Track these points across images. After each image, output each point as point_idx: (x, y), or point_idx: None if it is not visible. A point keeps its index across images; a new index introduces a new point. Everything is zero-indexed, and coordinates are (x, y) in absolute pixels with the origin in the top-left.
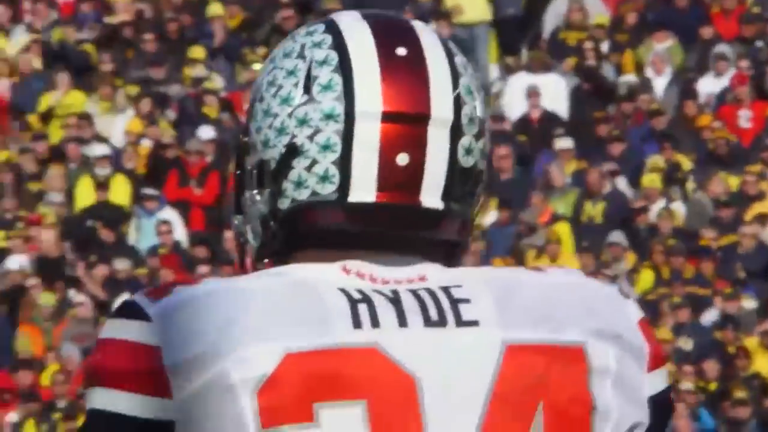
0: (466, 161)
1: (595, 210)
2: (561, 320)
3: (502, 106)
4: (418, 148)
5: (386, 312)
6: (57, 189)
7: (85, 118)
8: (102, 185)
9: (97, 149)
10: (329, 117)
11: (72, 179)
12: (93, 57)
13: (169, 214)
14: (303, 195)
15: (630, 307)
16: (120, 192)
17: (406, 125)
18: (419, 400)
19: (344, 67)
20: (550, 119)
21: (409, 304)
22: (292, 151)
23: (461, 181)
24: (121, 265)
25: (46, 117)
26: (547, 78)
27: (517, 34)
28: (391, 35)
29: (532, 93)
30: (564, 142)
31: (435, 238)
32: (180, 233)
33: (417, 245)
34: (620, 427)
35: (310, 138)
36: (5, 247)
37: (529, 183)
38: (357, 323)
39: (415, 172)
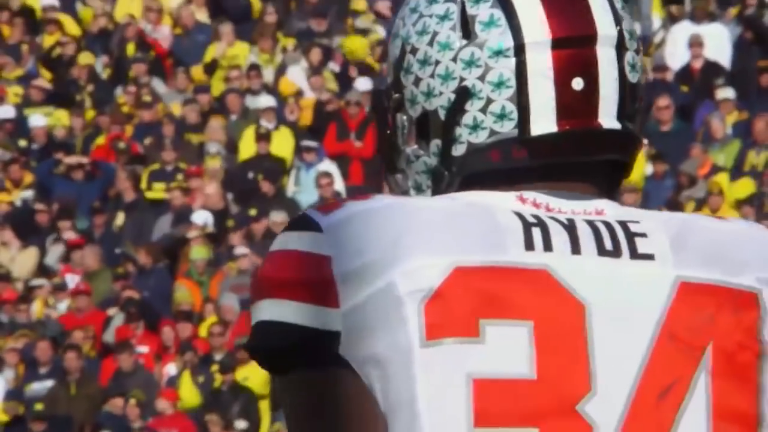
0: (633, 77)
1: (758, 159)
2: (736, 264)
3: (664, 56)
4: (590, 70)
5: (560, 237)
6: (218, 140)
7: (254, 68)
8: (264, 137)
9: (262, 101)
10: (498, 53)
11: (234, 131)
12: (256, 8)
13: (329, 167)
14: (481, 137)
15: None
16: (282, 144)
17: (576, 48)
18: (587, 326)
19: (502, 1)
20: (712, 69)
21: (584, 231)
22: (464, 94)
23: (631, 99)
24: (280, 217)
25: (210, 68)
26: (710, 27)
27: None
28: None
29: (695, 42)
30: (726, 92)
31: (616, 159)
32: (339, 186)
33: (595, 171)
34: None
35: (481, 78)
36: (165, 198)
37: (689, 135)
38: (529, 245)
39: (590, 95)
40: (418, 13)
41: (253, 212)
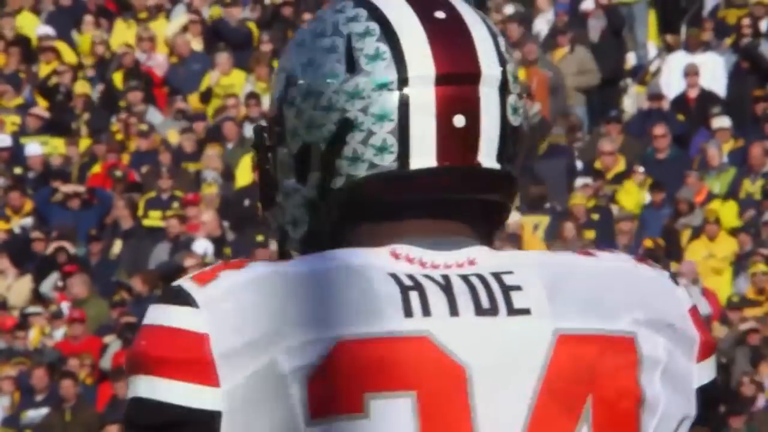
0: (514, 120)
1: (753, 187)
2: (612, 308)
3: (660, 85)
4: (472, 109)
5: (437, 300)
6: (215, 168)
7: (253, 97)
8: None
9: None
10: (382, 86)
11: (230, 159)
12: (254, 36)
13: None
14: (360, 170)
15: (681, 295)
16: None
17: (459, 86)
18: (469, 390)
19: (389, 36)
20: (707, 98)
21: (460, 290)
22: (345, 125)
23: (511, 141)
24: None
25: (206, 97)
26: (705, 57)
27: (677, 12)
28: (424, 1)
29: (691, 72)
30: (722, 121)
31: (493, 199)
32: None
33: (472, 211)
34: (667, 420)
35: (364, 110)
36: (162, 226)
37: (685, 162)
38: (408, 311)
39: (471, 134)
40: (304, 48)
41: (260, 238)
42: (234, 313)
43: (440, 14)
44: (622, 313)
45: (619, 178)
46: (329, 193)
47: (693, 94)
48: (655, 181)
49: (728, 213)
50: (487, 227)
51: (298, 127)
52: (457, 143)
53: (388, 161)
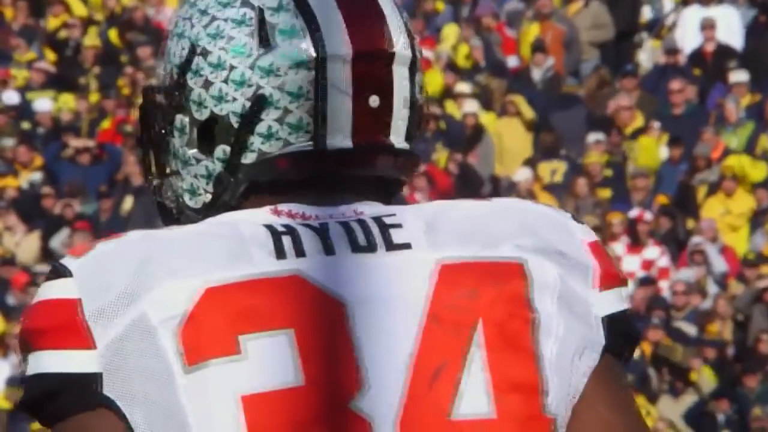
0: (420, 98)
1: None
2: (494, 237)
3: (676, 39)
4: (386, 89)
5: (311, 242)
6: None
7: None
8: None
9: None
10: (299, 64)
11: None
12: None
13: None
14: (274, 147)
15: (578, 230)
16: None
17: (374, 65)
18: (349, 324)
19: (304, 12)
20: (724, 52)
21: (336, 232)
22: (261, 102)
23: (417, 119)
24: None
25: None
26: (722, 10)
27: None
28: None
29: (707, 25)
30: (738, 75)
31: (398, 177)
32: None
33: (372, 186)
34: (566, 344)
35: (280, 88)
36: None
37: (702, 118)
38: (280, 253)
39: (384, 114)
40: (209, 16)
41: None
42: (101, 273)
43: None
44: (505, 241)
45: (636, 134)
46: (237, 167)
47: (710, 48)
48: (672, 136)
49: (754, 167)
50: (383, 200)
51: (206, 98)
52: (371, 123)
53: (303, 140)
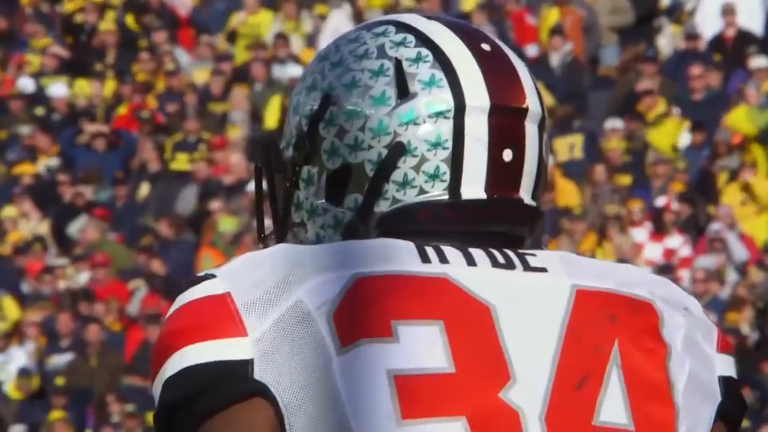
0: (546, 158)
1: None
2: (627, 279)
3: (696, 25)
4: (519, 144)
5: (454, 255)
6: (242, 110)
7: (281, 37)
8: None
9: (289, 70)
10: (439, 113)
11: (258, 100)
12: None
13: None
14: (409, 195)
15: (695, 301)
16: None
17: (509, 119)
18: (495, 324)
19: (443, 63)
20: (744, 38)
21: (477, 252)
22: (398, 150)
23: (543, 178)
24: None
25: (232, 37)
26: None
27: None
28: (469, 32)
29: (727, 11)
30: (759, 61)
31: (525, 234)
32: None
33: (497, 240)
34: (693, 384)
35: (418, 136)
36: (188, 170)
37: (722, 104)
38: (425, 258)
39: (517, 168)
40: (344, 67)
41: None
42: (251, 272)
43: (486, 47)
44: (638, 285)
45: (658, 120)
46: (370, 215)
47: (730, 33)
48: (693, 122)
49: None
50: None
51: (340, 147)
52: (504, 177)
53: (439, 189)
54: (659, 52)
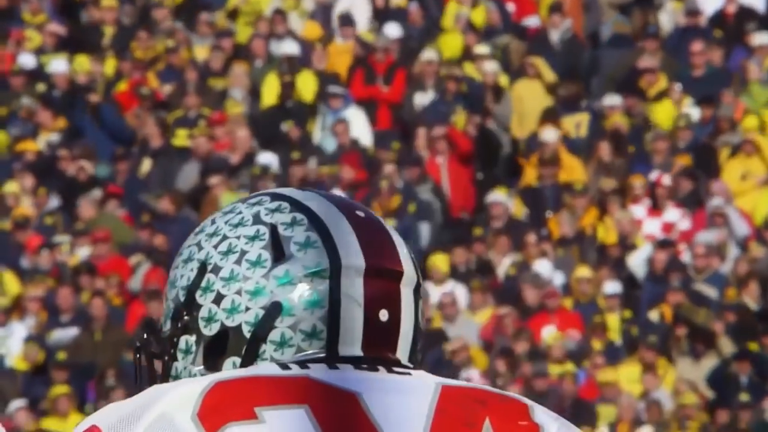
0: (421, 324)
1: None
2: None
3: (697, 1)
4: (394, 305)
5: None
6: (241, 86)
7: (279, 13)
8: (289, 83)
9: (287, 47)
10: (315, 273)
11: (257, 77)
12: None
13: (355, 113)
14: (287, 354)
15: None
16: (307, 89)
17: (385, 281)
18: (363, 406)
19: (318, 226)
20: (745, 14)
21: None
22: (275, 310)
23: (420, 343)
24: (312, 164)
25: (233, 14)
26: None
27: None
28: (343, 201)
29: None
30: (760, 38)
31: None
32: (359, 132)
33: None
34: None
35: (294, 296)
36: (188, 146)
37: (723, 80)
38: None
39: (393, 329)
40: (220, 236)
41: (295, 155)
42: (119, 406)
43: (360, 213)
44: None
45: (660, 96)
46: None
47: (731, 9)
48: (694, 97)
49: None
50: None
51: (217, 312)
52: (380, 336)
53: (316, 347)
54: (660, 29)
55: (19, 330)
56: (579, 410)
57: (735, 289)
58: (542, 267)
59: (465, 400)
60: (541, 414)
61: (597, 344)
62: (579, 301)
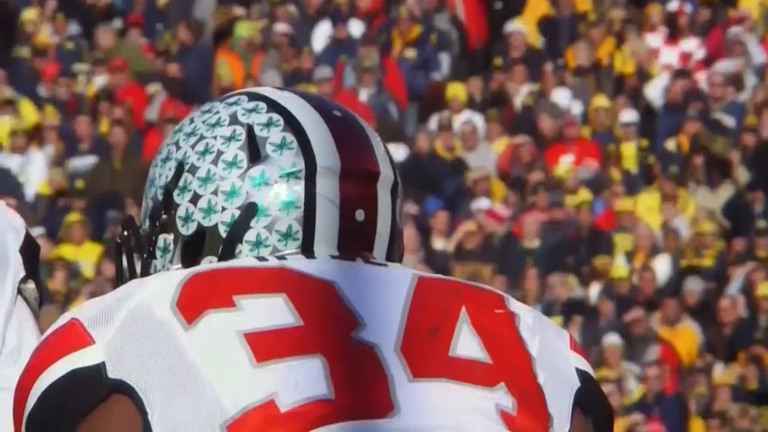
0: (400, 224)
1: None
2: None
3: None
4: (370, 206)
5: (293, 256)
6: None
7: None
8: None
9: None
10: (290, 174)
11: None
12: None
13: None
14: (263, 254)
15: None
16: None
17: (361, 182)
18: (340, 294)
19: (294, 126)
20: None
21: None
22: (251, 210)
23: (398, 244)
24: None
25: None
26: None
27: None
28: (321, 100)
29: None
30: None
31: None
32: None
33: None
34: (546, 352)
35: (270, 196)
36: None
37: None
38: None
39: (369, 229)
40: (197, 135)
41: None
42: (96, 300)
43: (338, 113)
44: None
45: None
46: None
47: None
48: None
49: None
50: None
51: (194, 212)
52: (356, 237)
53: (292, 247)
54: None
55: (38, 158)
56: (596, 240)
57: (754, 117)
58: (559, 97)
59: (441, 291)
60: (516, 304)
61: (614, 174)
62: (596, 131)
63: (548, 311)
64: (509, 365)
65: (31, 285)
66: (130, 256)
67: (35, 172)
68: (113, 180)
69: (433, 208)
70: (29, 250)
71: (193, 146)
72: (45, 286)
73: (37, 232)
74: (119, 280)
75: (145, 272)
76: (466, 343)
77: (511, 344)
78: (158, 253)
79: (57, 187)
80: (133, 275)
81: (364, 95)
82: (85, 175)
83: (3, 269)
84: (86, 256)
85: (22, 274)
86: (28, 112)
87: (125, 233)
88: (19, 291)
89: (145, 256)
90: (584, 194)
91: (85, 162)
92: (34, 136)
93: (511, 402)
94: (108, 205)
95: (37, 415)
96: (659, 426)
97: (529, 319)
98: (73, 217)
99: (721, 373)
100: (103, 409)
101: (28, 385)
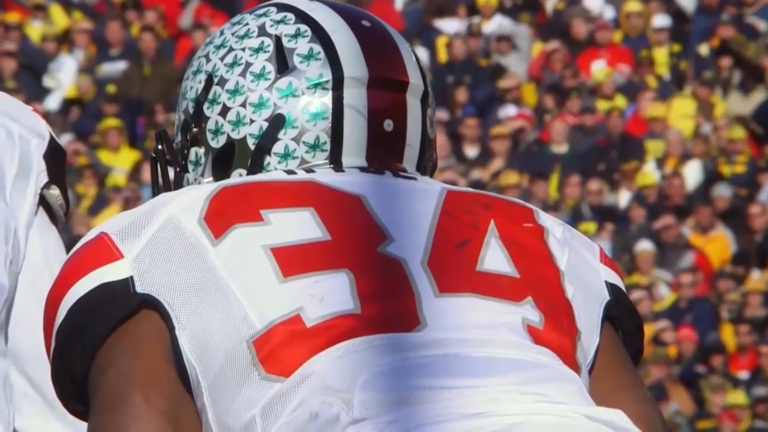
0: (431, 133)
1: None
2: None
3: None
4: (400, 115)
5: (322, 170)
6: None
7: None
8: None
9: None
10: (317, 85)
11: None
12: None
13: None
14: (290, 166)
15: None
16: None
17: (390, 91)
18: (368, 207)
19: (321, 37)
20: None
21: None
22: (278, 122)
23: (428, 153)
24: None
25: None
26: None
27: None
28: (350, 11)
29: None
30: None
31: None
32: None
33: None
34: (574, 267)
35: (298, 108)
36: None
37: None
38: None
39: (398, 139)
40: (227, 48)
41: None
42: (125, 214)
43: (366, 23)
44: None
45: None
46: None
47: None
48: None
49: None
50: None
51: (223, 125)
52: (385, 147)
53: (320, 159)
54: None
55: (68, 63)
56: (626, 145)
57: None
58: (592, 1)
59: (470, 204)
60: (545, 217)
61: (648, 79)
62: (628, 36)
63: (578, 218)
64: (537, 279)
65: (55, 191)
66: (164, 169)
67: (65, 76)
68: (143, 85)
69: (464, 115)
70: (54, 156)
71: (222, 58)
72: (74, 191)
73: (68, 138)
74: (154, 192)
75: (179, 185)
76: (494, 257)
77: (540, 258)
78: (190, 167)
79: (84, 94)
80: (167, 188)
81: (399, 3)
82: (116, 80)
83: (25, 177)
84: (122, 162)
85: (45, 180)
86: (59, 17)
87: (159, 146)
88: (43, 197)
89: (177, 169)
90: (617, 99)
91: (115, 67)
92: (64, 40)
93: (538, 316)
94: (137, 111)
95: (66, 326)
96: (691, 332)
97: (558, 233)
98: (110, 122)
99: (753, 279)
100: (131, 323)
101: (58, 298)
